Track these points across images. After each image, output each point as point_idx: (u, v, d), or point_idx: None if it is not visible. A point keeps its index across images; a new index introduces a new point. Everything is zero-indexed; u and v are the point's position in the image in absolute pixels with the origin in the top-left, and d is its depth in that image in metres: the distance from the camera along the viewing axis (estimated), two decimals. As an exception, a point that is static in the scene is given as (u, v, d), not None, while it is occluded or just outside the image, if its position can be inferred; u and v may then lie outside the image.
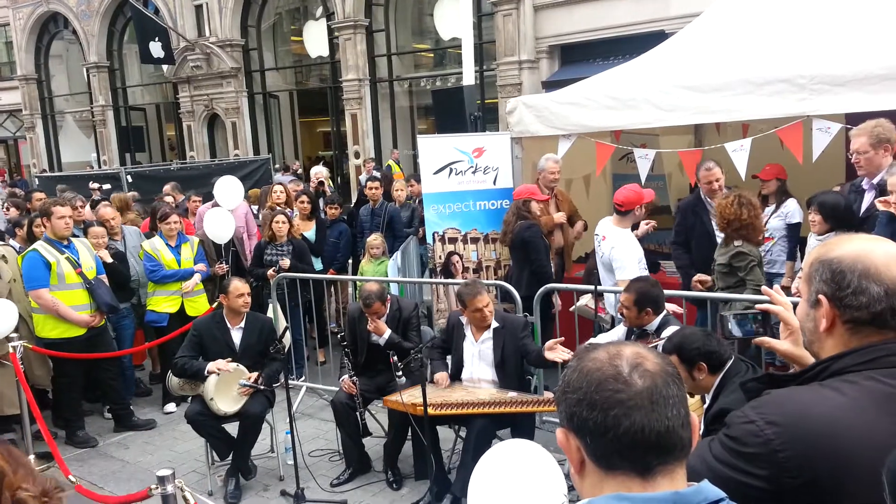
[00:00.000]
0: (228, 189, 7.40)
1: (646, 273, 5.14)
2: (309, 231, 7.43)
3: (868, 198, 4.42)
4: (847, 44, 5.09)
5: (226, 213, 7.18)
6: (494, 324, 4.66)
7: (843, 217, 4.42)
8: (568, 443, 1.16)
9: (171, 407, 6.47)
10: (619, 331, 4.47)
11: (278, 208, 7.39)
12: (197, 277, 6.55)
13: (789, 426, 1.23)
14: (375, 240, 7.18)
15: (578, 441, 1.14)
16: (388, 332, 5.01)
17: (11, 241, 6.74)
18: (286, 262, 6.57)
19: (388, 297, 5.18)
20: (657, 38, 8.33)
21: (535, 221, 5.86)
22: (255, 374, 4.95)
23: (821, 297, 1.49)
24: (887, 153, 4.30)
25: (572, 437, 1.15)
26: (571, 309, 5.45)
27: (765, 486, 1.24)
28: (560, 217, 6.28)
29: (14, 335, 5.38)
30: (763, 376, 1.61)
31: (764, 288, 1.94)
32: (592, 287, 4.74)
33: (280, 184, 8.33)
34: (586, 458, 1.14)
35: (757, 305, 1.85)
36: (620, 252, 5.17)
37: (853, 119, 4.73)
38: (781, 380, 1.53)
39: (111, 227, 6.73)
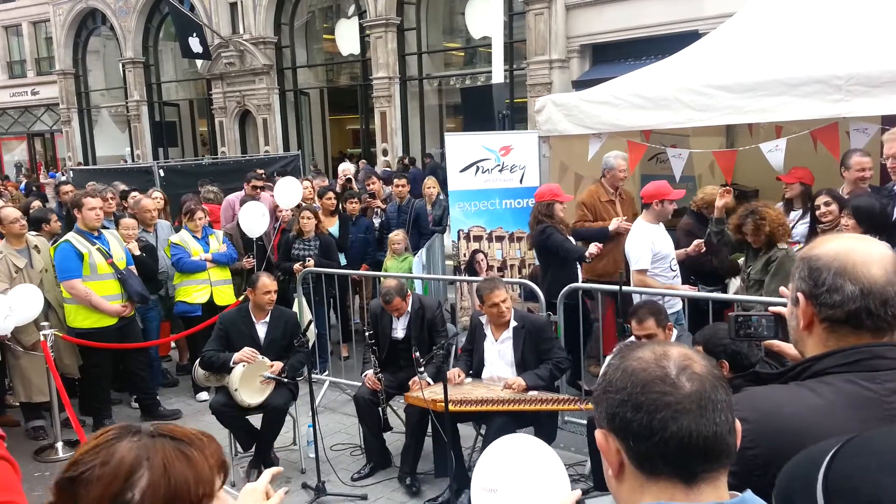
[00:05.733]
0: (288, 189, 7.47)
1: (667, 268, 5.27)
2: (332, 227, 7.46)
3: (901, 202, 4.31)
4: (884, 44, 4.97)
5: (262, 206, 7.26)
6: (514, 323, 4.64)
7: (877, 221, 4.31)
8: (607, 444, 1.12)
9: (203, 395, 6.53)
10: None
11: (304, 204, 7.44)
12: (221, 248, 6.70)
13: (759, 423, 1.20)
14: (397, 236, 7.16)
15: (619, 443, 1.10)
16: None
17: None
18: (311, 263, 6.62)
19: (409, 293, 5.18)
20: (690, 38, 8.21)
21: (552, 224, 5.66)
22: (277, 364, 4.98)
23: (799, 294, 1.47)
24: None
25: (612, 438, 1.11)
26: None
27: (735, 483, 1.22)
28: (615, 225, 5.85)
29: (45, 324, 5.49)
30: (749, 373, 1.58)
31: (781, 289, 1.89)
32: (618, 287, 4.69)
33: (307, 179, 8.40)
34: (626, 461, 1.10)
35: (770, 308, 1.80)
36: (631, 245, 5.29)
37: (889, 120, 4.61)
38: (766, 378, 1.51)
39: (151, 217, 6.89)
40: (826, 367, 1.41)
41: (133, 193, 7.98)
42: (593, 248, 5.49)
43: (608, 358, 4.75)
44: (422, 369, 4.52)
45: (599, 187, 6.14)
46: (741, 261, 5.03)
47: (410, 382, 4.71)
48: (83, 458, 1.11)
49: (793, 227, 5.37)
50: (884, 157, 4.30)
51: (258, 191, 8.17)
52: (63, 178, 13.80)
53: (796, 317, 1.50)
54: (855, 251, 1.42)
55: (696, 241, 5.45)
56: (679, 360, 1.09)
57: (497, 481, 2.77)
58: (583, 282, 5.68)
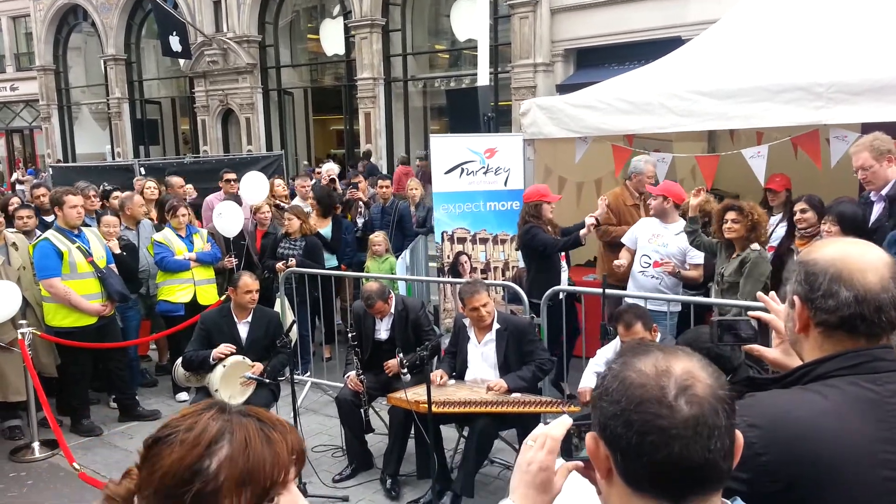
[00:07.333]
0: (254, 184, 7.42)
1: (637, 260, 5.52)
2: (325, 228, 7.44)
3: (877, 209, 4.37)
4: (865, 52, 5.05)
5: (235, 206, 7.21)
6: (496, 325, 4.65)
7: (859, 227, 4.35)
8: (597, 449, 1.09)
9: (183, 395, 6.47)
10: (616, 343, 4.45)
11: (283, 204, 7.43)
12: (205, 247, 6.66)
13: (770, 429, 1.19)
14: (377, 237, 7.14)
15: (609, 452, 1.08)
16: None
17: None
18: (293, 263, 6.60)
19: (391, 295, 5.17)
20: (674, 44, 8.28)
21: (538, 224, 5.66)
22: (258, 366, 4.95)
23: (795, 297, 1.49)
24: (891, 163, 4.25)
25: (602, 446, 1.08)
26: None
27: (747, 491, 1.20)
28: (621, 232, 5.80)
29: (23, 322, 5.41)
30: (743, 379, 1.58)
31: (759, 294, 1.91)
32: (601, 290, 4.71)
33: (279, 178, 8.44)
34: (614, 470, 1.08)
35: (749, 312, 1.82)
36: None
37: (868, 129, 4.68)
38: (762, 383, 1.51)
39: (145, 213, 6.95)
40: (829, 370, 1.41)
41: (115, 193, 7.88)
42: (589, 218, 5.54)
43: (590, 361, 4.78)
44: (405, 370, 4.52)
45: (624, 191, 6.16)
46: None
47: (385, 364, 4.83)
48: (172, 422, 1.14)
49: (772, 231, 5.43)
50: (854, 169, 4.37)
51: (233, 184, 8.12)
52: (36, 181, 13.39)
53: (792, 319, 1.50)
54: (851, 257, 1.43)
55: (669, 266, 5.38)
56: (681, 379, 1.03)
57: None
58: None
